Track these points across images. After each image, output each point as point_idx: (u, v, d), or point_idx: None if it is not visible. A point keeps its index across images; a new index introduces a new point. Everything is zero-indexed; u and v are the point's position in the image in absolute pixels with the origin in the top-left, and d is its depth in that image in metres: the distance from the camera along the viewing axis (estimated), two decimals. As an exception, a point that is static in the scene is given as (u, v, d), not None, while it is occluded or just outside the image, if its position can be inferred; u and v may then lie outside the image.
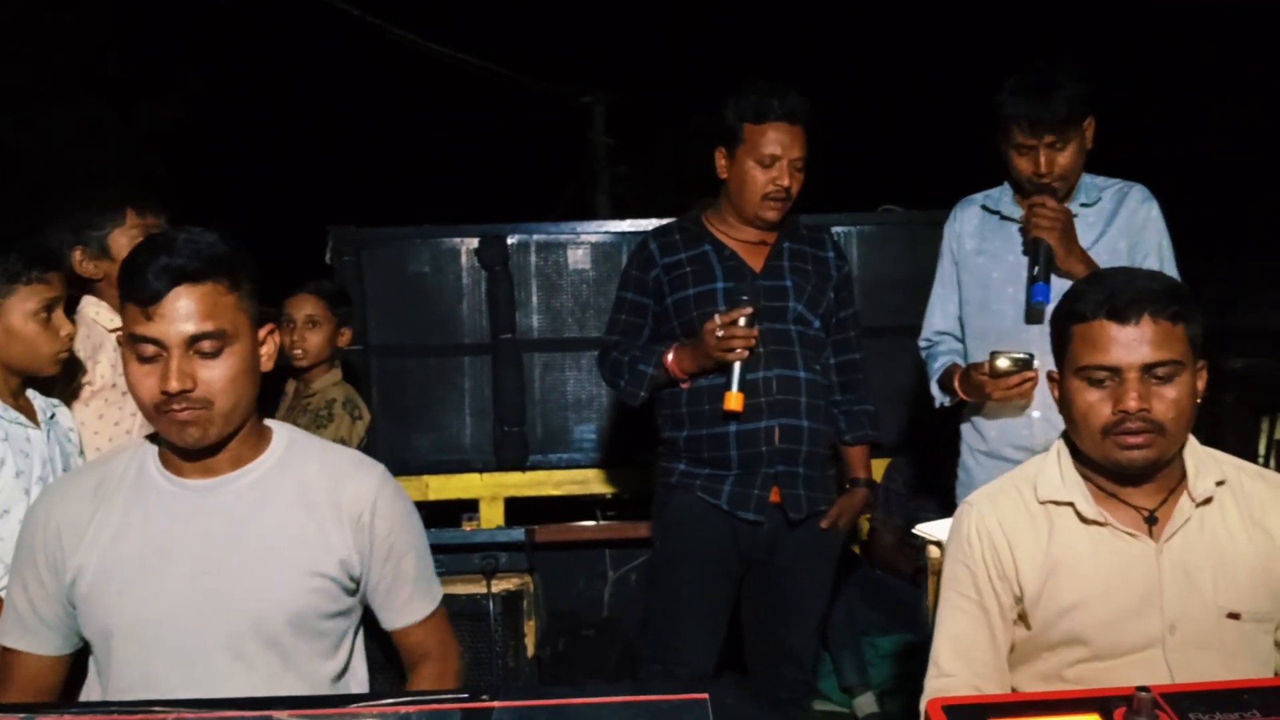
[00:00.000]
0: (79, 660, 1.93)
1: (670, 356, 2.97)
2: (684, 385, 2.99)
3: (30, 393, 2.44)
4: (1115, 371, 1.82)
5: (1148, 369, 1.81)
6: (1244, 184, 9.12)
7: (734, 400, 2.87)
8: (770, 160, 2.94)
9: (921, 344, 3.13)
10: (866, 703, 4.02)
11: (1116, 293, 1.83)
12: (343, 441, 3.25)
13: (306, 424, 3.30)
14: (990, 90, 2.87)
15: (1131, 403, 1.80)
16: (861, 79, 13.75)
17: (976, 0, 12.88)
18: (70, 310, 2.71)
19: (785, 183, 2.95)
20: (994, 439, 2.92)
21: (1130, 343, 1.81)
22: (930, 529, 2.73)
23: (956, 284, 3.05)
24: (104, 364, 2.69)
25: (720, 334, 2.84)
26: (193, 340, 1.76)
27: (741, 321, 2.84)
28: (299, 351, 3.47)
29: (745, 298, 2.90)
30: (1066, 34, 11.18)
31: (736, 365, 2.86)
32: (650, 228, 4.06)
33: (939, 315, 3.10)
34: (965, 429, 3.03)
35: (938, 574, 2.30)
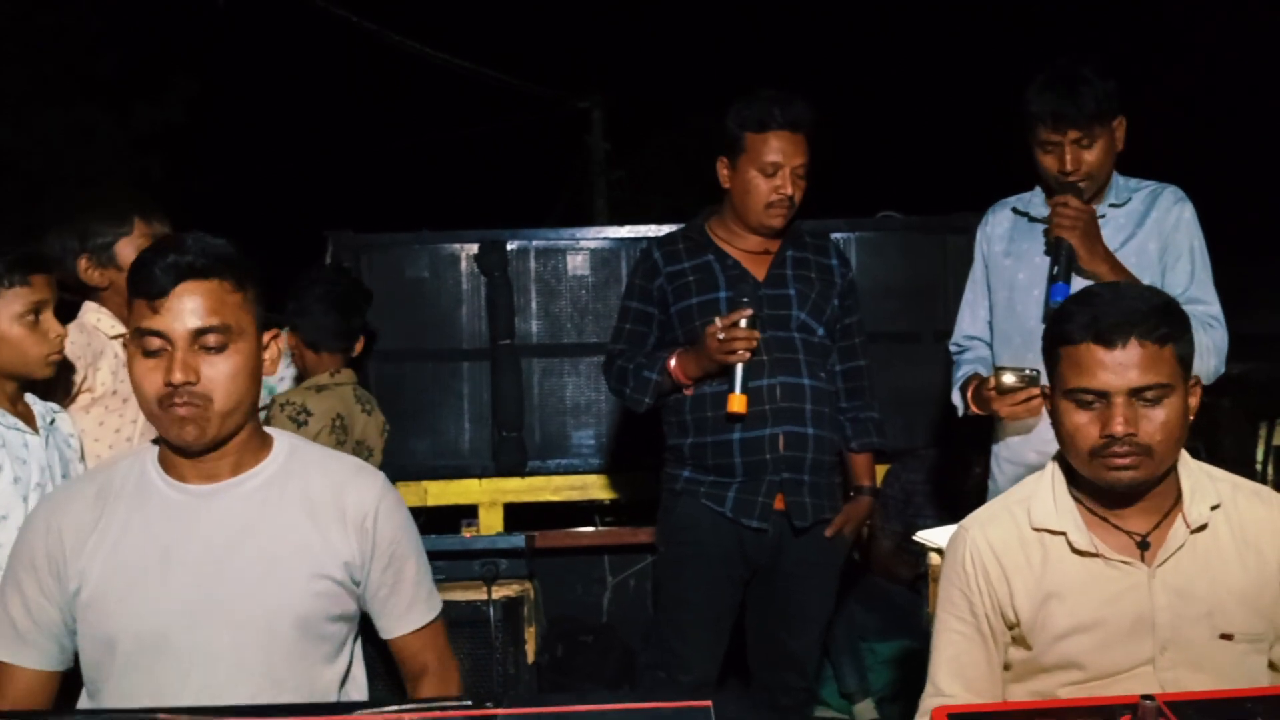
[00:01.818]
0: (67, 685, 1.91)
1: (673, 362, 2.98)
2: (687, 391, 3.00)
3: (29, 398, 2.43)
4: (1102, 395, 1.81)
5: (1135, 392, 1.80)
6: (1241, 189, 9.13)
7: (737, 402, 2.87)
8: (773, 169, 2.95)
9: (951, 348, 3.09)
10: (866, 709, 4.03)
11: (1102, 314, 1.82)
12: None
13: None
14: (992, 97, 2.85)
15: (1118, 427, 1.79)
16: (860, 84, 13.76)
17: (976, 7, 12.90)
18: (71, 316, 2.71)
19: (788, 191, 2.96)
20: (1017, 445, 2.86)
21: (1117, 366, 1.79)
22: (931, 536, 2.73)
23: (987, 287, 3.00)
24: (105, 371, 2.69)
25: (721, 336, 2.84)
26: (197, 334, 1.78)
27: (742, 323, 2.84)
28: None
29: (745, 300, 2.91)
30: (1061, 40, 11.20)
31: (739, 367, 2.87)
32: (649, 234, 4.08)
33: (968, 319, 3.04)
34: (996, 443, 2.98)
35: (938, 580, 2.30)
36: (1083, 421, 1.84)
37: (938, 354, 3.17)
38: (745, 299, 2.91)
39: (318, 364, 3.53)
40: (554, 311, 4.42)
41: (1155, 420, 1.80)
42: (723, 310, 2.94)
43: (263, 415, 3.34)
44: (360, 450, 3.49)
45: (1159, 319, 1.81)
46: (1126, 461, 1.81)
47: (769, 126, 2.95)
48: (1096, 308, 1.84)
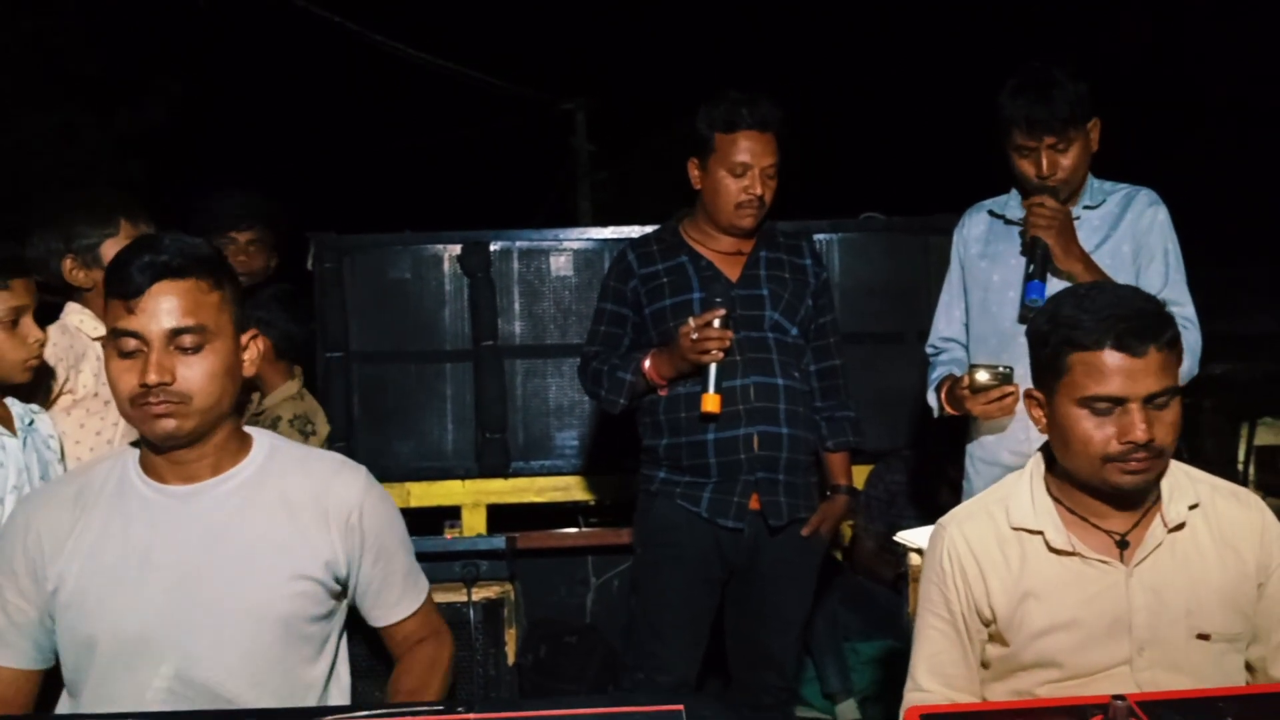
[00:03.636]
0: (50, 680, 1.91)
1: (648, 363, 2.99)
2: (661, 392, 3.00)
3: (9, 400, 2.42)
4: (1119, 401, 1.81)
5: (1151, 398, 1.81)
6: (1223, 192, 9.18)
7: (711, 402, 2.88)
8: (742, 169, 2.96)
9: (927, 350, 3.11)
10: (848, 709, 4.03)
11: (1121, 320, 1.81)
12: None
13: None
14: (973, 98, 2.86)
15: (1140, 434, 1.79)
16: (844, 86, 13.78)
17: (960, 8, 12.93)
18: (53, 317, 2.70)
19: (758, 191, 2.97)
20: (992, 445, 2.89)
21: (1137, 374, 1.80)
22: (911, 536, 2.74)
23: (963, 289, 3.02)
24: (86, 373, 2.68)
25: (694, 336, 2.85)
26: (173, 334, 1.77)
27: (715, 323, 2.86)
28: None
29: (718, 300, 2.92)
30: (1047, 42, 11.23)
31: (712, 367, 2.88)
32: (632, 235, 4.08)
33: (944, 321, 3.07)
34: (970, 443, 3.00)
35: (918, 580, 2.31)
36: (1095, 427, 1.83)
37: (921, 355, 3.19)
38: (718, 299, 2.92)
39: (275, 372, 3.51)
40: (537, 312, 4.42)
41: (1165, 423, 1.82)
42: (696, 311, 2.95)
43: (278, 424, 3.33)
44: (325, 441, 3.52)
45: (1167, 324, 1.83)
46: (1144, 466, 1.82)
47: (737, 127, 2.96)
48: (1111, 313, 1.83)
